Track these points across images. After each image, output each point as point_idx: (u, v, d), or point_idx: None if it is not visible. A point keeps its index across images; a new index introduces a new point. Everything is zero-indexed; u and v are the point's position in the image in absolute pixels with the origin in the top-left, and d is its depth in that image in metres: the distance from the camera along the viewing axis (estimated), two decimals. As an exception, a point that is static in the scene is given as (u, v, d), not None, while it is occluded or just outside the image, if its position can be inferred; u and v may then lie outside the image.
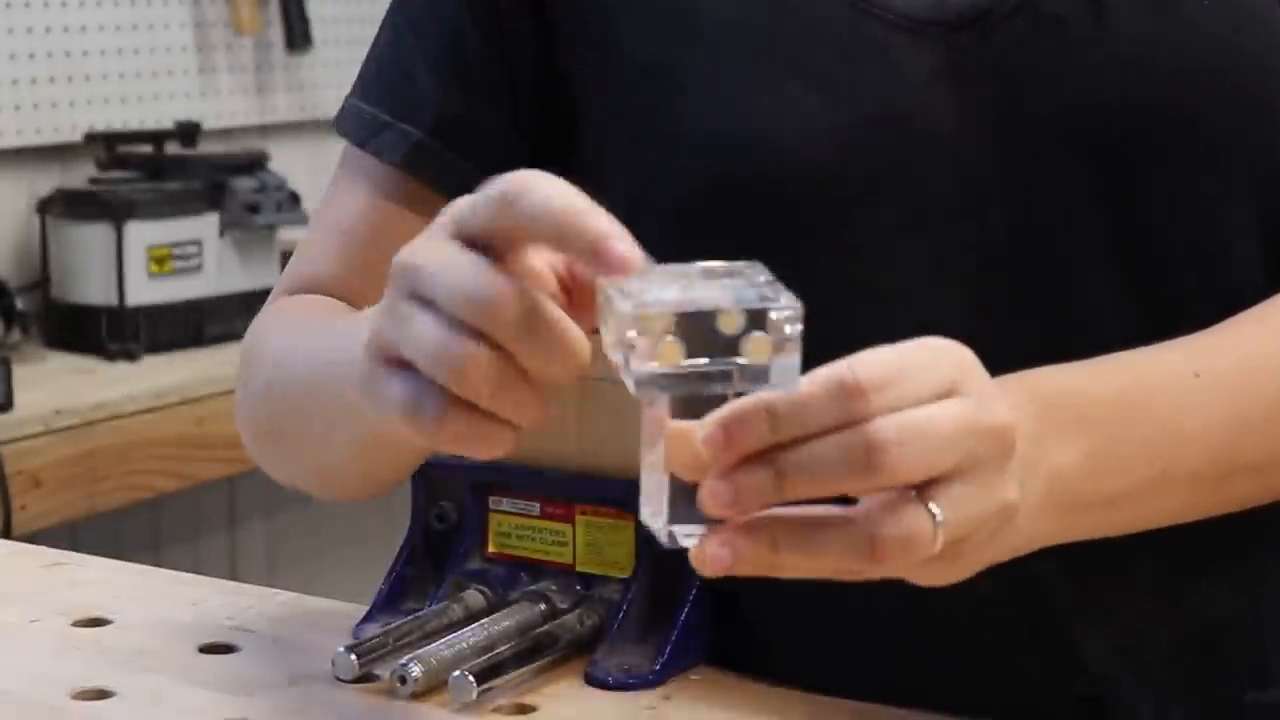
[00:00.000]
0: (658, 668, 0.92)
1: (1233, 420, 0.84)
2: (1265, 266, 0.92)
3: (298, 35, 2.98)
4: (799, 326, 0.67)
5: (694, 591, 0.94)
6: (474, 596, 0.98)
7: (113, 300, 2.46)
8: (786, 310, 0.67)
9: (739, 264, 0.69)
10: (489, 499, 1.01)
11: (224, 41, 2.92)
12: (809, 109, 0.90)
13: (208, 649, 0.98)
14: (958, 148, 0.90)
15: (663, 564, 0.95)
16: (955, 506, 0.70)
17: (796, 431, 0.68)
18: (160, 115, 2.80)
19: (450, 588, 0.99)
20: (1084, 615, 0.94)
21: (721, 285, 0.67)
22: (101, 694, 0.92)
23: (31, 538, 1.80)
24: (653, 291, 0.67)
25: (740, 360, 0.67)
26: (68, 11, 2.67)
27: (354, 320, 0.83)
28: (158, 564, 1.22)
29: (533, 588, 0.98)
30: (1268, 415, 0.85)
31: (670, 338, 0.66)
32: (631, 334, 0.66)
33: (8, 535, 2.02)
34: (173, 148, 2.67)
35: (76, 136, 2.67)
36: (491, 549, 1.01)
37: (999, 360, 0.76)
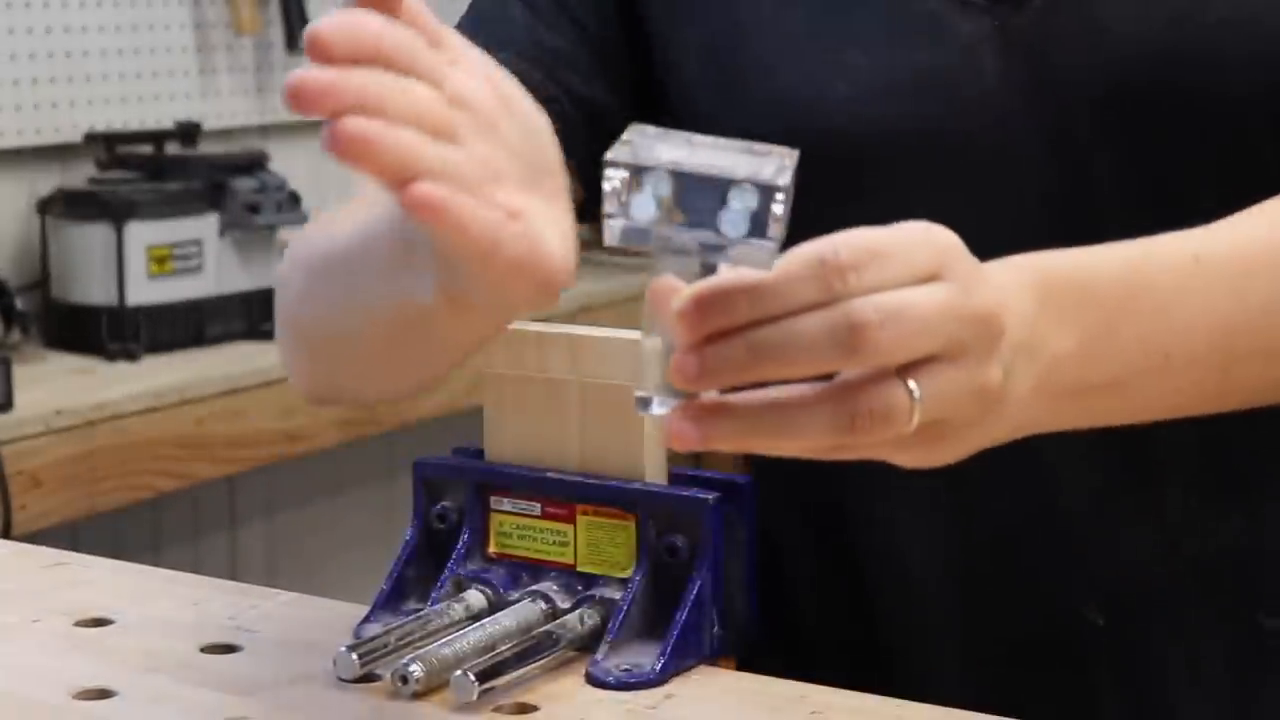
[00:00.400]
0: (659, 667, 0.92)
1: (1235, 306, 0.84)
2: None
3: (298, 35, 2.98)
4: (784, 206, 0.66)
5: (694, 591, 0.94)
6: (475, 596, 0.98)
7: (113, 300, 2.46)
8: (775, 189, 0.66)
9: (763, 145, 0.69)
10: (490, 499, 1.01)
11: (224, 42, 2.92)
12: (863, 71, 0.98)
13: (209, 649, 0.98)
14: (999, 109, 0.96)
15: (663, 564, 0.95)
16: (934, 386, 0.70)
17: (774, 309, 0.68)
18: (160, 115, 2.80)
19: (451, 587, 0.99)
20: (1103, 542, 0.99)
21: (726, 157, 0.67)
22: (103, 694, 0.92)
23: (31, 538, 1.80)
24: (656, 148, 0.67)
25: (724, 231, 0.66)
26: (68, 11, 2.67)
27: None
28: (158, 564, 1.22)
29: (534, 587, 0.98)
30: (1268, 302, 0.85)
31: (656, 194, 0.66)
32: (617, 185, 0.66)
33: (8, 535, 2.02)
34: (173, 148, 2.67)
35: (76, 136, 2.67)
36: (492, 549, 1.01)
37: None
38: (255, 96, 2.98)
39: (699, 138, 0.68)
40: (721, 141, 0.68)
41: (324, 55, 0.64)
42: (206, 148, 2.75)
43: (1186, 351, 0.83)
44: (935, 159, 0.97)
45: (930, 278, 0.70)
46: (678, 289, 0.68)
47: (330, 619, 1.02)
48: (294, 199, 2.63)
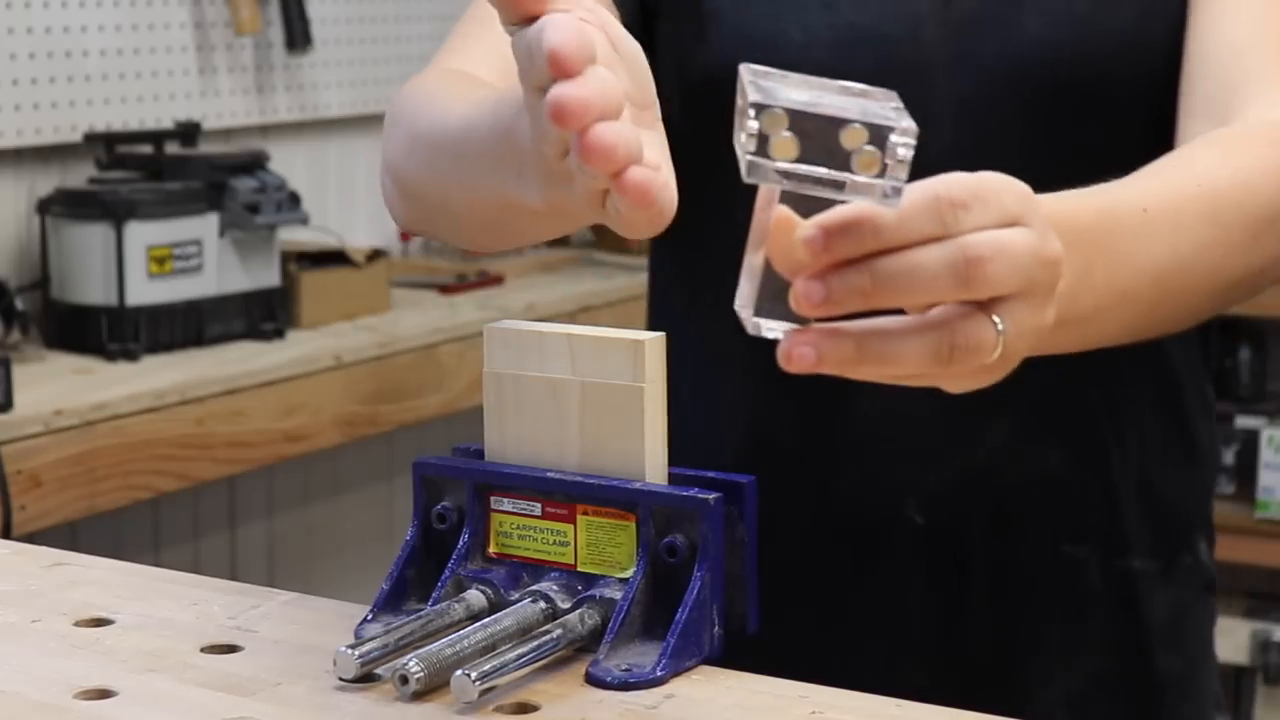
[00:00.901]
0: (659, 667, 0.92)
1: (1169, 253, 0.94)
2: None
3: (298, 35, 2.98)
4: (911, 150, 0.72)
5: (694, 591, 0.94)
6: (475, 596, 0.98)
7: (113, 300, 2.46)
8: (903, 132, 0.71)
9: (874, 88, 0.74)
10: (490, 499, 1.01)
11: (224, 41, 2.92)
12: (814, 18, 1.13)
13: (209, 649, 0.98)
14: (925, 75, 1.12)
15: (663, 564, 0.95)
16: (1014, 321, 0.77)
17: (896, 240, 0.74)
18: (160, 115, 2.80)
19: (451, 587, 0.99)
20: (935, 451, 1.17)
21: (850, 100, 0.72)
22: (103, 694, 0.92)
23: (31, 538, 1.80)
24: (784, 90, 0.71)
25: (852, 172, 0.71)
26: (68, 11, 2.67)
27: (503, 90, 0.91)
28: (158, 564, 1.22)
29: (534, 587, 0.98)
30: (1194, 250, 0.96)
31: (788, 133, 0.71)
32: (753, 123, 0.71)
33: (8, 535, 2.02)
34: (173, 148, 2.67)
35: (76, 136, 2.67)
36: (493, 549, 1.01)
37: None
38: (255, 96, 2.98)
39: (814, 79, 0.73)
40: (835, 83, 0.73)
41: (568, 70, 0.73)
42: (206, 148, 2.75)
43: (1135, 291, 0.92)
44: None
45: (1015, 221, 0.77)
46: (796, 221, 0.73)
47: (330, 619, 1.02)
48: (294, 199, 2.63)
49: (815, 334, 0.75)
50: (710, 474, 0.96)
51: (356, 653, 0.91)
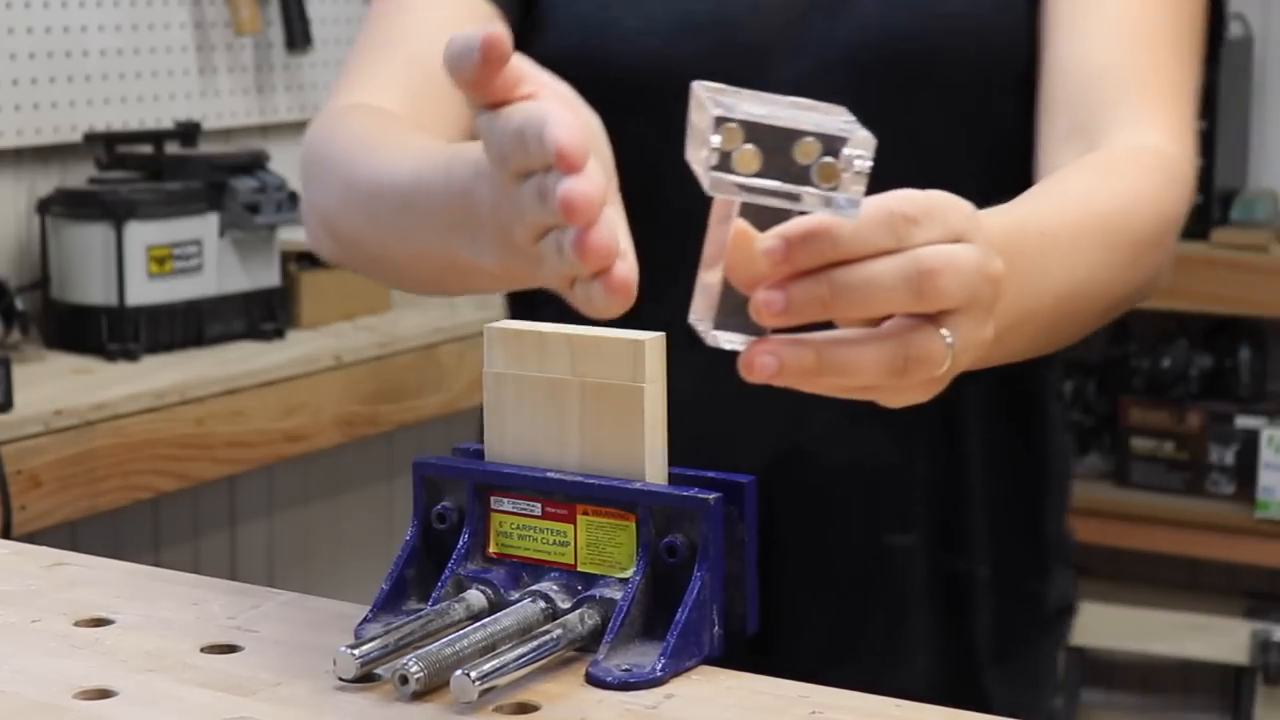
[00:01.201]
0: (659, 667, 0.92)
1: (1066, 275, 0.98)
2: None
3: (298, 35, 2.98)
4: (868, 162, 0.73)
5: (694, 591, 0.94)
6: (475, 596, 0.98)
7: (113, 300, 2.46)
8: (858, 144, 0.73)
9: (823, 104, 0.76)
10: (490, 499, 1.01)
11: (224, 41, 2.92)
12: (651, 4, 1.14)
13: (209, 649, 0.98)
14: (763, 59, 1.13)
15: (663, 564, 0.95)
16: (960, 335, 0.80)
17: (853, 252, 0.76)
18: (160, 115, 2.80)
19: (451, 587, 0.99)
20: (766, 429, 1.18)
21: (803, 114, 0.74)
22: (103, 694, 0.92)
23: (31, 538, 1.80)
24: (742, 105, 0.73)
25: (810, 184, 0.73)
26: (68, 11, 2.67)
27: (452, 150, 0.95)
28: (158, 564, 1.22)
29: (534, 587, 0.98)
30: (1088, 274, 1.00)
31: (748, 146, 0.73)
32: (715, 138, 0.73)
33: (8, 535, 2.02)
34: (173, 148, 2.67)
35: (76, 136, 2.67)
36: (492, 549, 1.01)
37: None
38: (255, 96, 2.98)
39: (766, 95, 0.75)
40: (786, 99, 0.75)
41: (574, 166, 0.76)
42: (206, 148, 2.75)
43: (1038, 312, 0.96)
44: None
45: (961, 238, 0.79)
46: (754, 235, 0.75)
47: (330, 619, 1.02)
48: (294, 199, 2.62)
49: (777, 343, 0.77)
50: (710, 474, 0.96)
51: (356, 653, 0.91)
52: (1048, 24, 1.15)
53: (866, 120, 1.13)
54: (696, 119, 0.75)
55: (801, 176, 0.73)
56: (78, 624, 1.02)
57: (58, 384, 2.31)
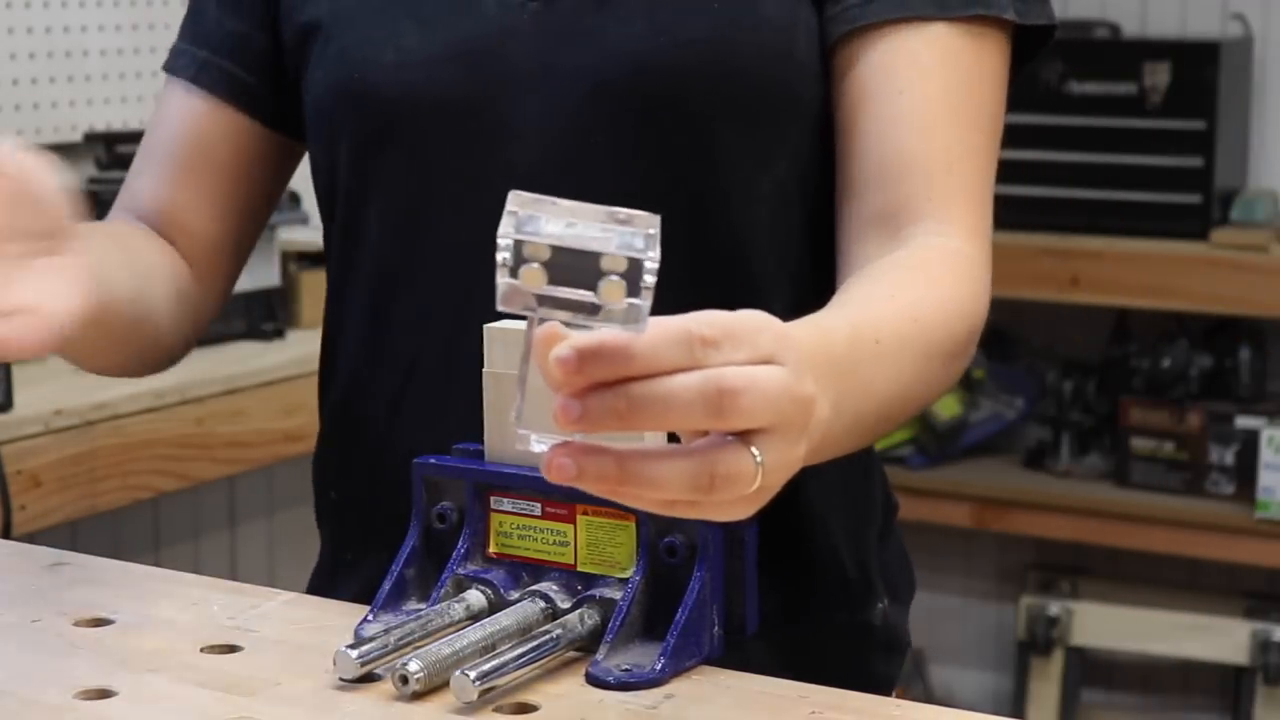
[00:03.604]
0: (659, 667, 0.92)
1: (893, 381, 1.00)
2: (773, 227, 1.16)
3: (297, 35, 2.98)
4: (653, 278, 0.75)
5: (694, 591, 0.94)
6: (475, 596, 0.98)
7: (113, 300, 2.45)
8: (645, 260, 0.74)
9: (639, 213, 0.76)
10: (490, 499, 1.01)
11: (224, 41, 2.91)
12: (411, 40, 1.17)
13: (209, 649, 0.98)
14: (511, 89, 1.15)
15: (663, 564, 0.95)
16: (770, 455, 0.79)
17: (645, 368, 0.76)
18: (160, 115, 2.79)
19: (451, 587, 0.99)
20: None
21: (600, 229, 0.75)
22: (103, 694, 0.92)
23: (31, 538, 1.80)
24: (539, 221, 0.75)
25: (597, 298, 0.74)
26: (68, 11, 2.67)
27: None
28: (158, 564, 1.22)
29: (534, 587, 0.98)
30: (910, 380, 1.03)
31: (536, 265, 0.74)
32: (505, 254, 0.74)
33: (8, 535, 2.02)
34: (173, 148, 2.66)
35: (76, 136, 2.67)
36: (493, 549, 1.01)
37: None
38: (255, 96, 2.98)
39: (572, 204, 0.76)
40: (592, 209, 0.76)
41: None
42: (206, 148, 2.74)
43: (866, 416, 0.98)
44: (458, 124, 1.16)
45: (769, 359, 0.79)
46: (560, 337, 0.75)
47: (330, 619, 1.02)
48: (293, 199, 2.63)
49: (578, 449, 0.76)
50: (710, 474, 0.96)
51: (356, 653, 0.91)
52: (850, 96, 1.15)
53: (615, 148, 1.14)
54: (499, 239, 0.76)
55: (594, 289, 0.75)
56: (78, 624, 1.02)
57: (57, 384, 2.31)
